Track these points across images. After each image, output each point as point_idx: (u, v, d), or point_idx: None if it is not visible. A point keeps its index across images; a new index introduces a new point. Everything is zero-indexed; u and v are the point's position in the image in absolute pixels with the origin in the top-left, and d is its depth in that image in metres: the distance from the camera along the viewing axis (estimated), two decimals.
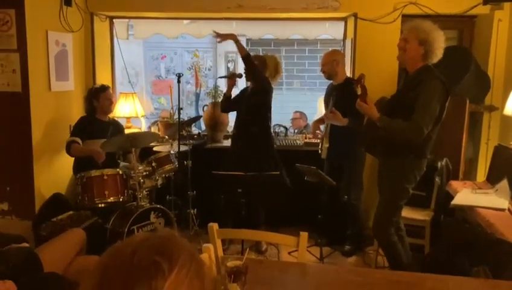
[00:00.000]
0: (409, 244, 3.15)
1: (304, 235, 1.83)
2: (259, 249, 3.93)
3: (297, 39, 6.88)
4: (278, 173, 3.34)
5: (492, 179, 3.49)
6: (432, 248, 3.36)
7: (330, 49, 4.20)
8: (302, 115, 5.78)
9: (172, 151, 3.87)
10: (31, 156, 3.60)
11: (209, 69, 8.09)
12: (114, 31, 4.76)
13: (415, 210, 3.53)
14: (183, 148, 3.94)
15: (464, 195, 3.24)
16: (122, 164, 3.71)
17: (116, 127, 3.95)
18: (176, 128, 3.93)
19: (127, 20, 5.18)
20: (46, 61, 3.78)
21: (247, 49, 3.87)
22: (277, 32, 5.64)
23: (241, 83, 4.53)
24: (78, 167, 3.70)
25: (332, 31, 5.27)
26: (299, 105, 6.38)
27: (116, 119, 4.21)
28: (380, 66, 4.07)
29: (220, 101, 4.21)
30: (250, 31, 5.65)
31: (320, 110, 4.96)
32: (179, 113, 3.89)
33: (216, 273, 1.61)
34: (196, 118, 4.71)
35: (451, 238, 2.67)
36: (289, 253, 3.77)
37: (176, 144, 3.94)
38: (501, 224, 2.65)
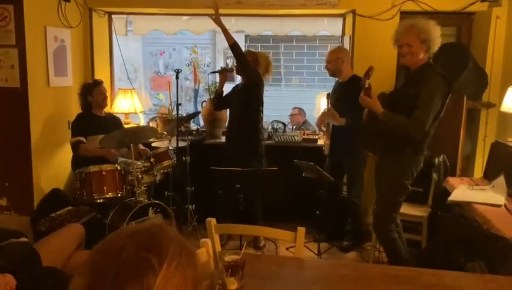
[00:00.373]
0: (406, 240, 3.16)
1: (301, 230, 1.84)
2: (257, 245, 3.95)
3: (296, 36, 6.88)
4: (276, 168, 3.35)
5: (490, 175, 3.51)
6: (429, 243, 3.38)
7: (336, 46, 4.22)
8: (301, 111, 5.79)
9: (170, 147, 3.88)
10: (30, 151, 3.60)
11: (207, 65, 8.09)
12: (113, 26, 4.76)
13: (412, 206, 3.55)
14: (181, 144, 3.95)
15: (461, 191, 3.25)
16: (120, 159, 3.72)
17: (113, 121, 3.96)
18: (175, 124, 3.93)
19: (125, 16, 5.17)
20: (45, 57, 3.78)
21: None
22: (276, 29, 5.63)
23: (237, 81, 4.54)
24: (76, 163, 3.71)
25: (331, 27, 5.28)
26: (297, 101, 6.39)
27: (112, 113, 4.22)
28: (378, 63, 4.03)
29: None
30: (249, 27, 5.65)
31: (319, 106, 4.98)
32: (178, 109, 3.89)
33: (214, 268, 1.62)
34: (195, 114, 4.72)
35: (447, 234, 2.69)
36: (287, 249, 3.79)
37: (174, 139, 3.95)
38: (497, 220, 2.67)
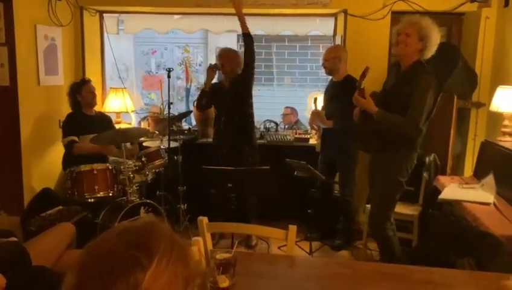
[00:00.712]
0: (398, 239, 3.19)
1: (293, 228, 1.85)
2: (249, 244, 3.95)
3: (288, 35, 6.90)
4: (268, 167, 3.35)
5: (479, 174, 3.54)
6: (420, 241, 3.41)
7: (335, 44, 4.24)
8: (293, 111, 5.80)
9: (162, 146, 3.86)
10: (20, 150, 3.57)
11: (199, 65, 8.07)
12: (104, 25, 4.73)
13: (403, 205, 3.57)
14: (173, 143, 3.94)
15: (451, 190, 3.28)
16: (111, 158, 3.70)
17: (104, 119, 3.94)
18: (166, 123, 3.92)
19: (117, 14, 5.14)
20: (35, 56, 3.75)
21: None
22: (268, 28, 5.65)
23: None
24: (67, 162, 3.68)
25: (323, 27, 5.30)
26: (289, 101, 6.40)
27: (103, 112, 4.19)
28: (369, 63, 4.01)
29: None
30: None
31: (311, 106, 4.99)
32: (169, 108, 3.88)
33: (205, 266, 1.62)
34: (186, 113, 4.71)
35: (438, 232, 2.71)
36: (279, 247, 3.80)
37: (166, 139, 3.93)
38: (486, 218, 2.70)
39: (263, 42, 7.58)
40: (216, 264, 1.46)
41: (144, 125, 4.75)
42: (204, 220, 1.93)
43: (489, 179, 3.22)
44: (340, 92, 3.72)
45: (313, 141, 4.40)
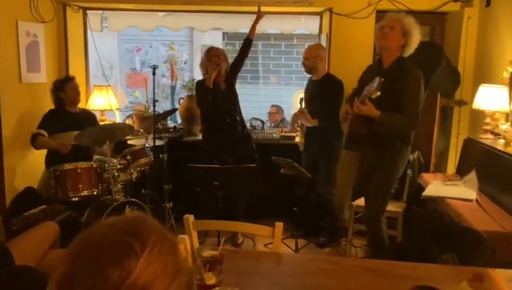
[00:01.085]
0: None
1: (279, 225, 1.86)
2: (235, 242, 3.95)
3: (273, 34, 6.90)
4: (254, 165, 3.35)
5: (462, 171, 3.61)
6: (404, 238, 3.45)
7: (315, 43, 4.25)
8: (279, 109, 5.81)
9: (147, 145, 3.83)
10: (1, 149, 3.51)
11: (185, 62, 8.03)
12: (88, 22, 4.67)
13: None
14: (158, 141, 3.91)
15: (435, 187, 3.33)
16: (96, 157, 3.66)
17: (88, 117, 3.90)
18: (151, 121, 3.89)
19: (100, 11, 5.08)
20: (17, 52, 3.68)
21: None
22: None
23: None
24: (50, 160, 3.63)
25: (308, 25, 5.32)
26: (275, 99, 6.42)
27: (87, 109, 4.14)
28: (354, 61, 4.12)
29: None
30: (227, 24, 5.63)
31: (296, 104, 5.01)
32: (154, 106, 3.85)
33: (192, 264, 1.62)
34: (172, 111, 4.68)
35: (421, 228, 2.74)
36: (265, 245, 3.80)
37: (151, 137, 3.90)
38: (469, 214, 2.75)
39: None
40: (203, 262, 1.45)
41: (128, 123, 4.71)
42: (190, 218, 1.92)
43: (472, 175, 3.28)
44: (321, 91, 3.74)
45: (298, 139, 4.42)
